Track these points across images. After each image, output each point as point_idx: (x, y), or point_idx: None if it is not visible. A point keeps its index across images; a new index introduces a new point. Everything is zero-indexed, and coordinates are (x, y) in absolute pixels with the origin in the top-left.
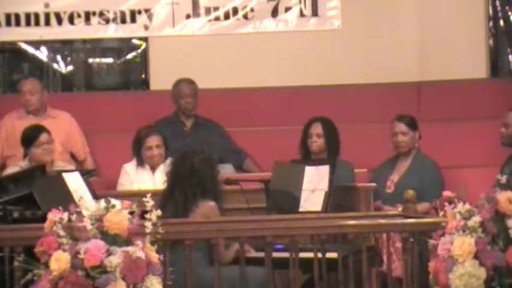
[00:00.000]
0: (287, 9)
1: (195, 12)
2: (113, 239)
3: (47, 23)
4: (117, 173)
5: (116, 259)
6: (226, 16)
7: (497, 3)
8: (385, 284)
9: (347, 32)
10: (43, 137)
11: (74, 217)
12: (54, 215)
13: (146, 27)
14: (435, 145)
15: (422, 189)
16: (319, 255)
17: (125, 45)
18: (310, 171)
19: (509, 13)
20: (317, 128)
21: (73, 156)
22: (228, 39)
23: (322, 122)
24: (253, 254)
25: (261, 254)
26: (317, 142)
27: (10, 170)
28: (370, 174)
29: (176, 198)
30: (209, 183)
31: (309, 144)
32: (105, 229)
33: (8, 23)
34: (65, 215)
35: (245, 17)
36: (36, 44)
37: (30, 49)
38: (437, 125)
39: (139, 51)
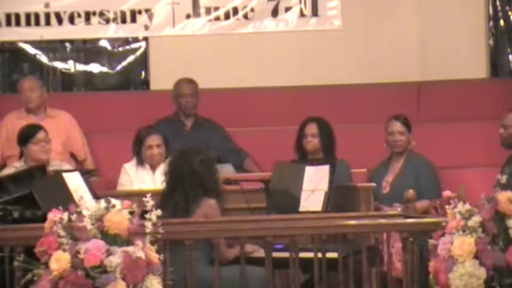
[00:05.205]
0: (287, 9)
1: (195, 12)
2: (113, 239)
3: (47, 23)
4: (117, 173)
5: (116, 259)
6: (227, 16)
7: (497, 3)
8: (385, 284)
9: (347, 32)
10: (41, 134)
11: (74, 217)
12: (54, 215)
13: (146, 27)
14: (435, 145)
15: (418, 188)
16: (319, 255)
17: (125, 45)
18: (310, 171)
19: (509, 13)
20: (312, 128)
21: (73, 156)
22: (228, 39)
23: (317, 121)
24: (260, 253)
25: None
26: (312, 142)
27: (6, 171)
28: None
29: (176, 200)
30: (210, 183)
31: (304, 144)
32: (105, 229)
33: (8, 23)
34: (65, 215)
35: (245, 17)
36: (36, 44)
37: (30, 49)
38: (437, 125)
39: (139, 51)
